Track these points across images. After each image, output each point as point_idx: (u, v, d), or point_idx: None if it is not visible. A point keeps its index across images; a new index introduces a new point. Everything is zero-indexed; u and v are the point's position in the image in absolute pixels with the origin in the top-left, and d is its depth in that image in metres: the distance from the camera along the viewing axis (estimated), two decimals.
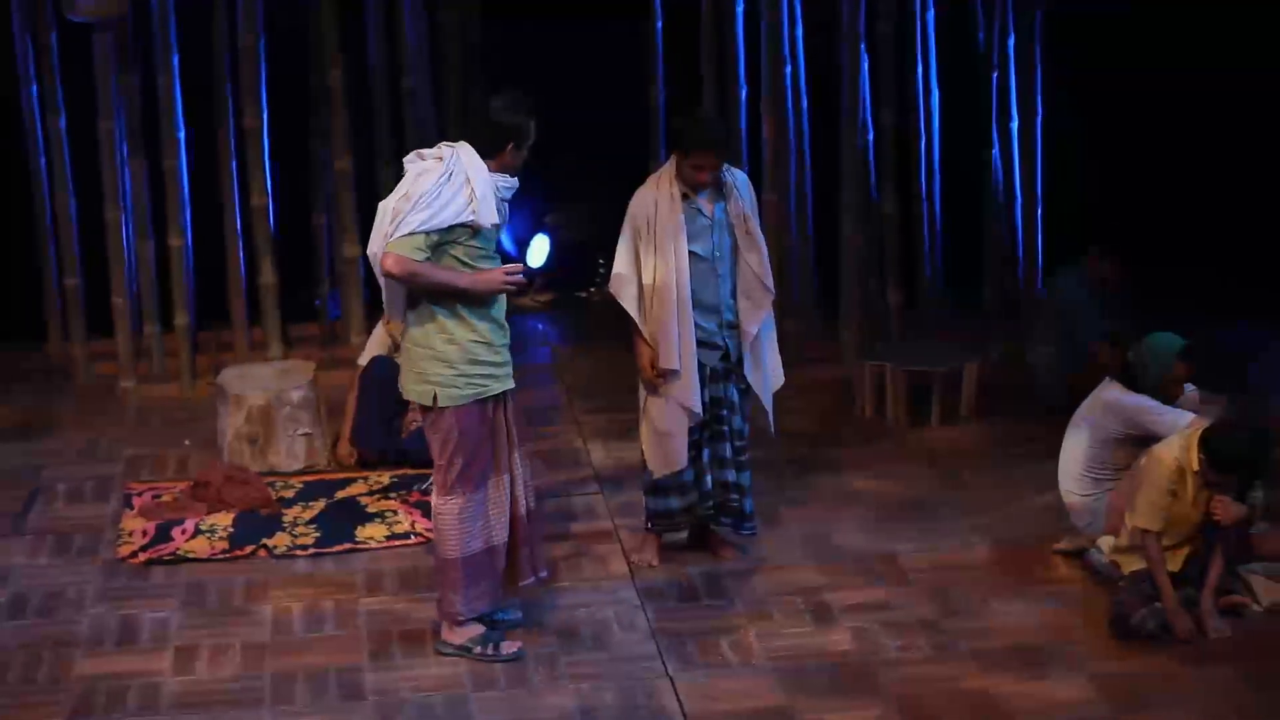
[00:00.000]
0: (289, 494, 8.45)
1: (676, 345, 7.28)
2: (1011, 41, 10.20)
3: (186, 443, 9.19)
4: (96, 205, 9.98)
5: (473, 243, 6.59)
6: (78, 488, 8.62)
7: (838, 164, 10.16)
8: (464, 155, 6.60)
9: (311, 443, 8.84)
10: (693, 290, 7.31)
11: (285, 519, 8.14)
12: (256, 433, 8.74)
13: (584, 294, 11.35)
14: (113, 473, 8.80)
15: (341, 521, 8.10)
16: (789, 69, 10.08)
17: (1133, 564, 7.19)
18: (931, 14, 10.22)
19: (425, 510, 7.94)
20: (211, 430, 9.02)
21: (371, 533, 8.00)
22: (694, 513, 7.61)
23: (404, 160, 6.74)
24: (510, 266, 6.70)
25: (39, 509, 8.38)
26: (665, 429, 7.40)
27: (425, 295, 6.63)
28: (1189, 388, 7.65)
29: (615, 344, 7.94)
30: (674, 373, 7.32)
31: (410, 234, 6.49)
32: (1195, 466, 6.95)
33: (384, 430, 8.73)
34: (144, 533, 7.95)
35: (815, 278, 10.48)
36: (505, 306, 6.78)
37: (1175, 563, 7.09)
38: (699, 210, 7.34)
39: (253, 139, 10.03)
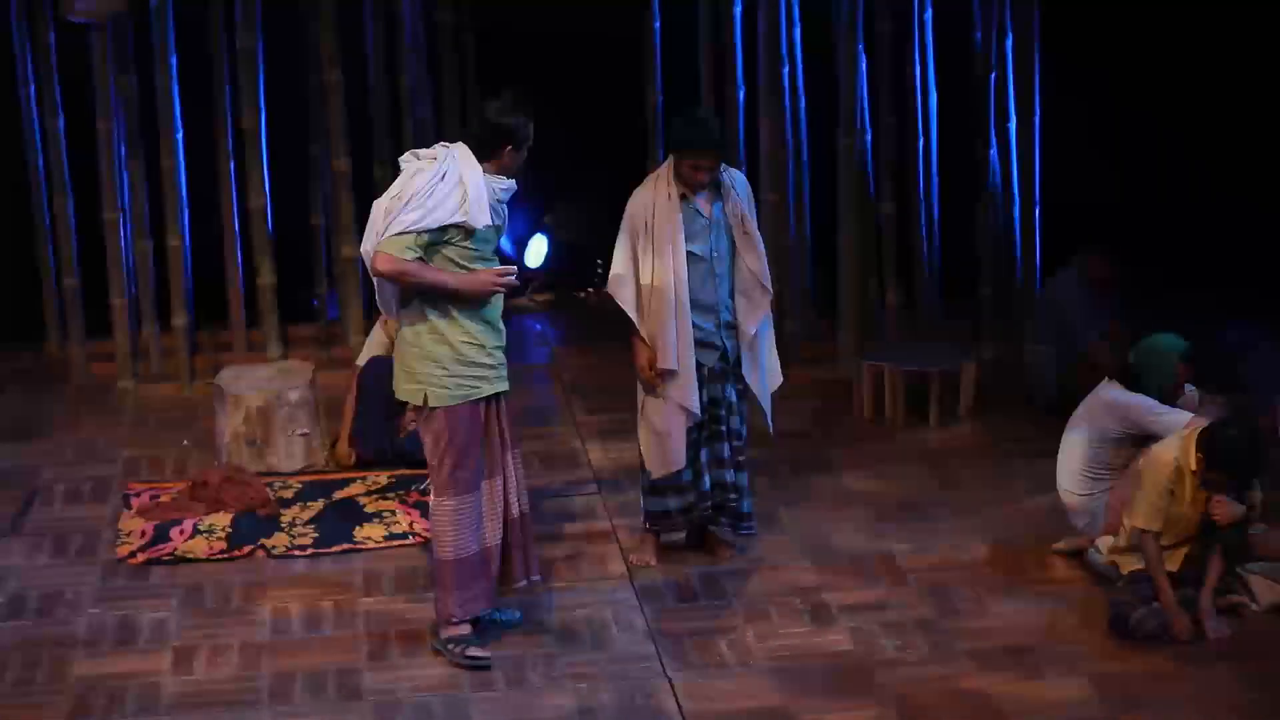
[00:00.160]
0: (287, 494, 8.45)
1: (674, 345, 7.29)
2: (1009, 41, 10.20)
3: (185, 443, 9.18)
4: (95, 206, 9.99)
5: (466, 244, 6.58)
6: (76, 488, 8.61)
7: (835, 164, 10.16)
8: (459, 155, 6.60)
9: (310, 443, 8.84)
10: (691, 290, 7.31)
11: (283, 519, 8.14)
12: (255, 433, 8.73)
13: (582, 294, 11.35)
14: (111, 473, 8.80)
15: (340, 522, 8.11)
16: (786, 69, 10.08)
17: (1131, 564, 7.20)
18: (929, 14, 10.22)
19: (423, 510, 7.95)
20: (210, 430, 9.02)
21: (370, 533, 8.00)
22: (692, 513, 7.61)
23: (399, 160, 6.74)
24: (501, 269, 6.69)
25: (37, 509, 8.38)
26: (663, 429, 7.40)
27: (417, 295, 6.63)
28: (1188, 388, 7.66)
29: (613, 344, 7.93)
30: (672, 373, 7.33)
31: (401, 233, 6.49)
32: (1194, 466, 6.95)
33: (382, 430, 8.72)
34: (142, 533, 7.95)
35: (813, 278, 10.48)
36: (500, 308, 6.78)
37: (1174, 563, 7.09)
38: (697, 210, 7.34)
39: (251, 139, 10.04)
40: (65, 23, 9.66)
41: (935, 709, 6.51)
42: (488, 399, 6.76)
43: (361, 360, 8.92)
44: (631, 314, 7.34)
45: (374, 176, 9.99)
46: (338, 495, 8.43)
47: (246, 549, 7.85)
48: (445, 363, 6.64)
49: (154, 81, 9.87)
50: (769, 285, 7.45)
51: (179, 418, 9.58)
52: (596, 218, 9.64)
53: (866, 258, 10.34)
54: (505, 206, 6.76)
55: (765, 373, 7.57)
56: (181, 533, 7.95)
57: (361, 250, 6.72)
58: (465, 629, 6.88)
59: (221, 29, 9.93)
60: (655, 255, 7.26)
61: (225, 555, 7.81)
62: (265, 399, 8.73)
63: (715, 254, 7.37)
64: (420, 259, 6.53)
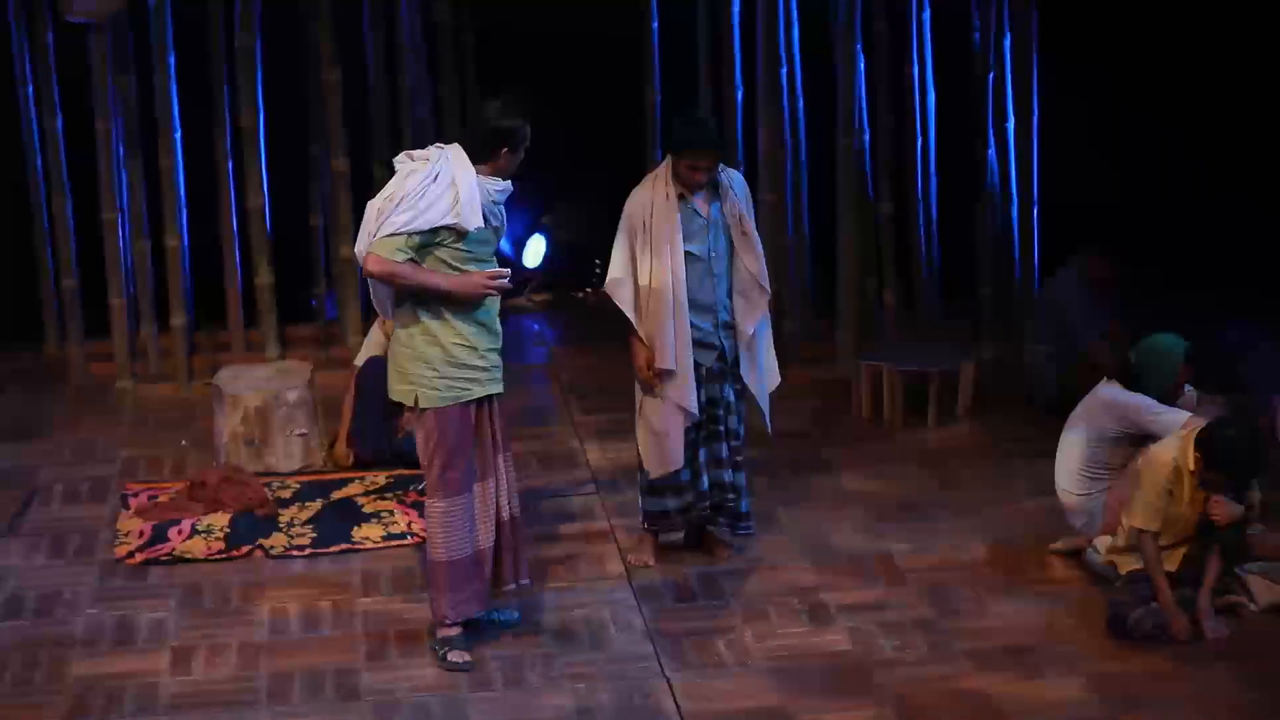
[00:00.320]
0: (285, 494, 8.45)
1: (672, 345, 7.28)
2: (1008, 41, 10.20)
3: (183, 443, 9.18)
4: (93, 206, 9.99)
5: (458, 245, 6.56)
6: (74, 488, 8.61)
7: (834, 164, 10.16)
8: (453, 157, 6.58)
9: (308, 443, 8.84)
10: (689, 290, 7.31)
11: (282, 519, 8.14)
12: (253, 433, 8.73)
13: (580, 294, 11.35)
14: (109, 473, 8.80)
15: (338, 522, 8.10)
16: (785, 69, 10.08)
17: (1129, 564, 7.19)
18: (927, 14, 10.22)
19: (421, 511, 7.94)
20: (208, 431, 9.01)
21: (368, 533, 8.00)
22: (690, 513, 7.61)
23: (394, 161, 6.73)
24: (493, 271, 6.66)
25: (35, 509, 8.37)
26: (661, 429, 7.40)
27: (410, 296, 6.61)
28: (1187, 388, 7.65)
29: (612, 344, 7.93)
30: (670, 373, 7.32)
31: (392, 235, 6.48)
32: (1192, 466, 6.95)
33: (380, 431, 8.72)
34: (140, 533, 7.95)
35: (812, 278, 10.48)
36: (496, 310, 6.75)
37: (1172, 563, 7.08)
38: (695, 210, 7.34)
39: (249, 139, 10.04)
40: (64, 23, 9.67)
41: (934, 709, 6.51)
42: (480, 401, 6.75)
43: (360, 360, 8.92)
44: (629, 314, 7.34)
45: (373, 176, 9.98)
46: (336, 495, 8.43)
47: (244, 549, 7.85)
48: (436, 364, 6.63)
49: (153, 81, 9.88)
50: (767, 285, 7.44)
51: (177, 418, 9.58)
52: (595, 218, 9.64)
53: (865, 258, 10.34)
54: (503, 208, 6.74)
55: (763, 373, 7.56)
56: (180, 533, 7.95)
57: (354, 251, 6.72)
58: (456, 630, 6.87)
59: (220, 28, 9.93)
60: (653, 255, 7.26)
61: (223, 555, 7.81)
62: (263, 399, 8.73)
63: (713, 254, 7.37)
64: (412, 260, 6.51)
